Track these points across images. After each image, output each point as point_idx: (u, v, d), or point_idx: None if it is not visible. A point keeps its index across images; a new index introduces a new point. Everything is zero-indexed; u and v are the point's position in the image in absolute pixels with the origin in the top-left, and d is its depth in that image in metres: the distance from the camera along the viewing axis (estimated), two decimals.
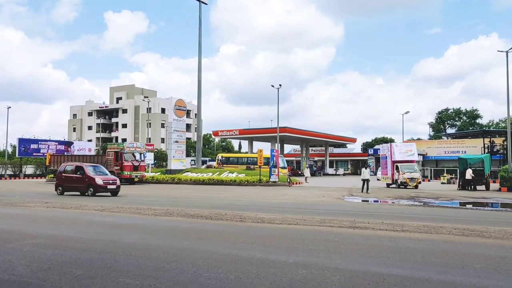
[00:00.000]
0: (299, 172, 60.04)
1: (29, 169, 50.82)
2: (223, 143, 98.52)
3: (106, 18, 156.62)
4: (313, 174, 61.67)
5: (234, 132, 59.72)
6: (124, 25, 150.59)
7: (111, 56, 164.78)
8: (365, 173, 24.62)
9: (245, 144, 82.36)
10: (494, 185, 29.78)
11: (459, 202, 18.76)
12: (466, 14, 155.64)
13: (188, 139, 66.64)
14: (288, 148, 78.23)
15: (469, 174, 27.11)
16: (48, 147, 49.23)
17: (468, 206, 17.49)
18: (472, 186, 27.35)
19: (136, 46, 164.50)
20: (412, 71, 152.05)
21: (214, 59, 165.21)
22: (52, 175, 38.61)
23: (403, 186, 29.07)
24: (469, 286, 5.07)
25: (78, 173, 20.47)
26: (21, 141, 48.25)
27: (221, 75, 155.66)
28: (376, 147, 68.38)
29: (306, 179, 38.93)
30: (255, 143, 63.90)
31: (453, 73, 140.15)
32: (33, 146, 48.76)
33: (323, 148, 73.60)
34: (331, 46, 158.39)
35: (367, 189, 23.87)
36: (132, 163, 33.31)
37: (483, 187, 27.45)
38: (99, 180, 19.74)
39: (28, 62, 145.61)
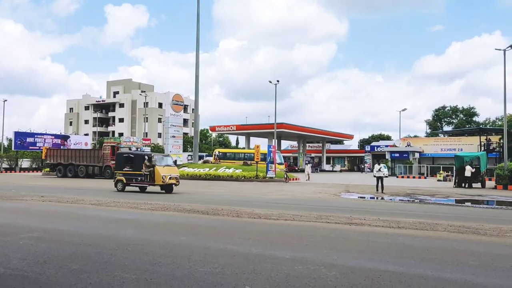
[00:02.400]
0: (296, 168, 60.14)
1: (25, 163, 50.63)
2: (220, 139, 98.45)
3: (106, 11, 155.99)
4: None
5: (231, 128, 59.63)
6: (125, 18, 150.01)
7: (111, 50, 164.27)
8: (378, 169, 21.80)
9: (242, 139, 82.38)
10: (490, 183, 29.88)
11: (455, 200, 18.82)
12: (470, 11, 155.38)
13: (185, 134, 66.59)
14: (285, 144, 78.27)
15: (469, 171, 27.07)
16: (44, 141, 49.05)
17: (464, 203, 17.54)
18: (468, 184, 27.43)
19: (136, 40, 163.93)
20: (413, 68, 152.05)
21: (215, 54, 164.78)
22: (48, 169, 38.54)
23: None
24: (464, 283, 5.10)
25: None
26: (17, 134, 48.06)
27: (222, 70, 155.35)
28: (374, 143, 68.55)
29: (308, 177, 34.88)
30: (252, 138, 63.86)
31: (453, 71, 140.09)
32: (29, 139, 48.58)
33: (320, 144, 73.67)
34: (332, 43, 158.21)
35: (382, 188, 21.21)
36: None
37: (479, 185, 27.52)
38: None
39: (26, 55, 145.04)
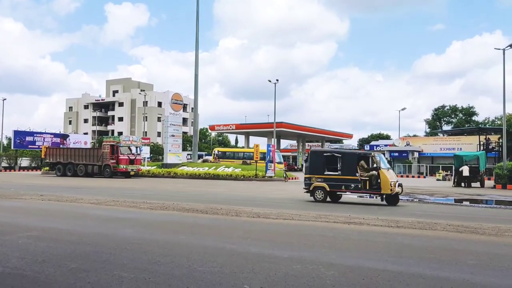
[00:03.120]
0: (295, 168, 60.13)
1: (24, 162, 50.63)
2: (220, 138, 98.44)
3: (106, 10, 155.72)
4: None
5: (230, 127, 59.64)
6: (125, 17, 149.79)
7: (111, 48, 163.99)
8: None
9: (241, 139, 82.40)
10: (489, 182, 29.91)
11: (454, 199, 18.84)
12: (471, 10, 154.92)
13: (184, 133, 66.47)
14: (284, 143, 78.28)
15: (466, 170, 27.14)
16: (44, 140, 49.02)
17: (463, 203, 17.56)
18: (467, 183, 27.46)
19: (136, 39, 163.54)
20: (413, 67, 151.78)
21: (215, 53, 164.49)
22: (47, 168, 38.52)
23: None
24: (462, 282, 5.11)
25: None
26: (17, 133, 48.02)
27: (222, 69, 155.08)
28: (373, 143, 68.57)
29: None
30: (251, 138, 63.87)
31: (454, 70, 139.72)
32: (29, 138, 48.54)
33: (320, 143, 73.69)
34: (333, 42, 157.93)
35: None
36: (128, 156, 33.23)
37: (478, 184, 27.56)
38: None
39: (26, 53, 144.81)
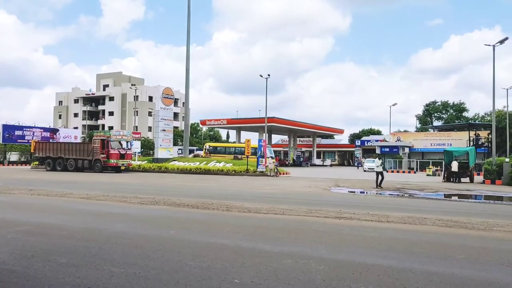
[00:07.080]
0: (287, 163, 60.26)
1: (13, 156, 50.21)
2: (211, 133, 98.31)
3: (102, 2, 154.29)
4: (299, 164, 61.83)
5: (222, 122, 59.52)
6: (120, 10, 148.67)
7: (105, 42, 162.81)
8: (379, 163, 21.82)
9: (233, 133, 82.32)
10: (478, 178, 30.19)
11: (444, 194, 18.98)
12: (471, 4, 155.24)
13: (175, 128, 66.31)
14: (276, 138, 78.34)
15: (455, 166, 27.41)
16: (33, 134, 48.64)
17: (452, 198, 17.71)
18: (457, 179, 27.70)
19: (131, 32, 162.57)
20: (409, 62, 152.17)
21: (212, 46, 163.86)
22: (37, 162, 38.20)
23: None
24: (451, 276, 5.15)
25: None
26: (5, 127, 47.57)
27: (217, 63, 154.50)
28: (364, 138, 68.83)
29: (269, 170, 31.37)
30: (243, 132, 63.82)
31: (449, 65, 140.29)
32: (18, 132, 48.12)
33: (311, 138, 73.86)
34: (332, 36, 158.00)
35: (381, 182, 21.19)
36: (118, 151, 33.07)
37: (467, 180, 27.80)
38: None
39: (18, 46, 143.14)
